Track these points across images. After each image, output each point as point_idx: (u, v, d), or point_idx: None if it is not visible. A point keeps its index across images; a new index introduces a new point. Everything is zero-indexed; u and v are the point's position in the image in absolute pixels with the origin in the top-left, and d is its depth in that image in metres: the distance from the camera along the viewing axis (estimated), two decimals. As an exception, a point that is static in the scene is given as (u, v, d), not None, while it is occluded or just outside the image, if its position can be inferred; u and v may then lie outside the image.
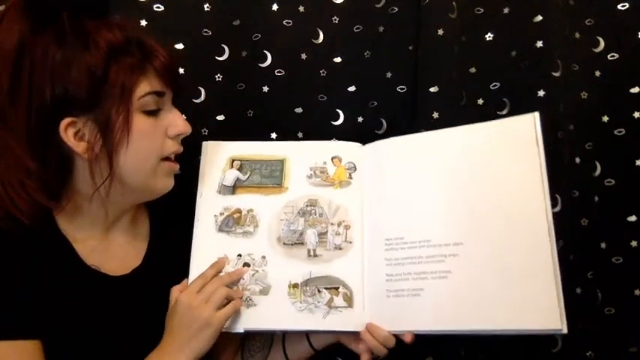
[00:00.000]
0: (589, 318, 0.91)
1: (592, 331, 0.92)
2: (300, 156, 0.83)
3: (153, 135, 0.70)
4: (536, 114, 0.73)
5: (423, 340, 0.95)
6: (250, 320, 0.74)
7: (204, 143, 0.84)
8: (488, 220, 0.72)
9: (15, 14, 0.65)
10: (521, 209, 0.71)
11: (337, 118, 0.96)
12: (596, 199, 0.94)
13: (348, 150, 0.84)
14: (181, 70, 0.91)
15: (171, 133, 0.72)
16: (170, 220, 0.82)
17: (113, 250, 0.75)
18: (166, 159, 0.72)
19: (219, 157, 0.83)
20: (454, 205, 0.74)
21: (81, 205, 0.71)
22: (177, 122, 0.72)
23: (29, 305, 0.65)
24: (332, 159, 0.83)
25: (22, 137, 0.65)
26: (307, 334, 0.81)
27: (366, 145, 0.84)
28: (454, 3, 0.92)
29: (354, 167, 0.82)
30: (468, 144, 0.77)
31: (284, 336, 0.84)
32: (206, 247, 0.78)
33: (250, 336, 0.87)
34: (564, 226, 0.87)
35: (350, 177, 0.82)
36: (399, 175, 0.79)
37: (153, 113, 0.69)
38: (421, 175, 0.78)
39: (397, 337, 0.73)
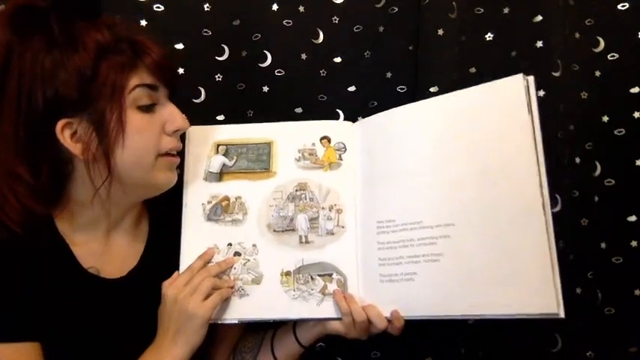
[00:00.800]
0: (589, 318, 0.91)
1: (592, 331, 0.92)
2: (288, 138, 0.80)
3: (149, 131, 0.69)
4: (526, 76, 0.66)
5: (423, 340, 0.95)
6: (243, 310, 0.74)
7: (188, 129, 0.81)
8: (477, 197, 0.67)
9: (3, 21, 0.64)
10: (512, 183, 0.65)
11: (337, 118, 0.96)
12: (596, 199, 0.94)
13: (337, 129, 0.81)
14: (181, 70, 0.92)
15: (169, 129, 0.71)
16: (168, 220, 0.81)
17: (113, 252, 0.75)
18: (165, 154, 0.71)
19: (203, 143, 0.80)
20: (442, 182, 0.70)
21: (81, 208, 0.71)
22: (175, 118, 0.71)
23: (27, 307, 0.65)
24: (321, 140, 0.80)
25: (10, 143, 0.64)
26: (294, 331, 0.80)
27: (356, 123, 0.81)
28: (454, 3, 0.92)
29: (344, 147, 0.79)
30: (454, 112, 0.71)
31: (273, 334, 0.83)
32: (195, 237, 0.77)
33: (243, 337, 0.86)
34: (564, 226, 0.87)
35: (340, 158, 0.79)
36: (388, 153, 0.75)
37: (147, 109, 0.68)
38: (408, 151, 0.74)
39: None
